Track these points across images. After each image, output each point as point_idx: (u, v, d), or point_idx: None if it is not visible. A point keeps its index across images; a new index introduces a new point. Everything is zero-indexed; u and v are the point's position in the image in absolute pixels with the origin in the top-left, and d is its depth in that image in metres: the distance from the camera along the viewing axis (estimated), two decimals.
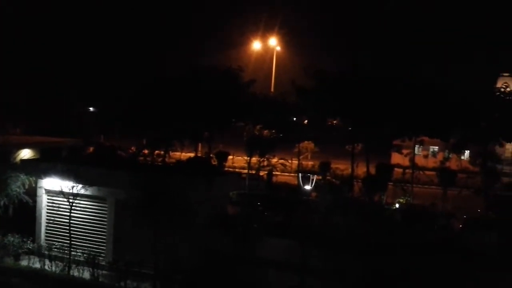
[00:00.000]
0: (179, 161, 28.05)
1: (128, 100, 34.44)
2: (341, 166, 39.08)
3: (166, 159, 31.15)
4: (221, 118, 31.16)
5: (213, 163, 32.38)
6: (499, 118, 30.77)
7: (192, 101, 29.92)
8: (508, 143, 45.38)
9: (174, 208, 18.80)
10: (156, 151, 30.89)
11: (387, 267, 18.47)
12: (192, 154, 34.61)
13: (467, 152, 39.42)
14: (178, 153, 36.23)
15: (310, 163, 40.75)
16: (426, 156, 46.02)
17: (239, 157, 38.00)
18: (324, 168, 33.33)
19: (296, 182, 30.18)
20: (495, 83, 48.48)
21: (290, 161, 36.98)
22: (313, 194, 26.95)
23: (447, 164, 34.72)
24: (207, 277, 16.33)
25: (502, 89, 32.06)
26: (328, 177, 32.03)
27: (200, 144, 38.72)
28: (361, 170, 32.63)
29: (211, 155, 33.29)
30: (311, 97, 31.65)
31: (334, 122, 37.59)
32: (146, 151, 31.14)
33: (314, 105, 32.28)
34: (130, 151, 31.10)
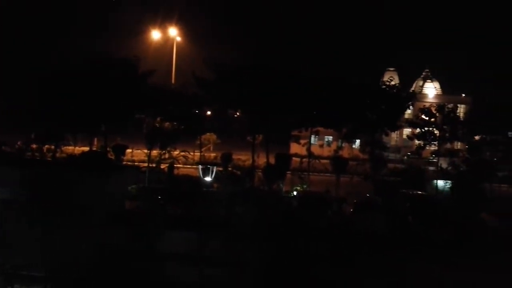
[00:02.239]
0: (71, 156, 26.39)
1: (15, 92, 31.58)
2: (243, 157, 39.69)
3: (58, 154, 29.13)
4: (118, 110, 29.81)
5: (110, 157, 31.02)
6: (385, 110, 33.28)
7: (86, 92, 28.24)
8: (393, 132, 49.82)
9: (67, 206, 17.69)
10: (46, 146, 28.72)
11: (285, 253, 19.19)
12: (87, 148, 32.79)
13: (358, 141, 42.23)
14: (71, 148, 34.11)
15: (213, 154, 40.81)
16: (321, 146, 48.36)
17: (139, 150, 36.80)
18: (225, 160, 33.59)
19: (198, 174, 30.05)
20: (382, 77, 52.57)
21: (192, 153, 36.67)
22: (215, 185, 27.09)
23: (340, 152, 37.00)
24: (102, 274, 15.64)
25: (387, 83, 34.61)
26: (229, 168, 32.40)
27: (96, 138, 36.85)
28: (262, 160, 33.50)
29: (107, 148, 31.81)
30: (212, 88, 31.66)
31: (236, 113, 38.01)
32: (34, 146, 28.81)
33: (215, 97, 32.33)
34: (17, 146, 28.58)
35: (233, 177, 28.43)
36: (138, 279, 15.67)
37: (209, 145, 42.73)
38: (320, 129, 36.76)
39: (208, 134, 41.26)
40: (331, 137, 55.67)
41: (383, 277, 17.29)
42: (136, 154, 38.21)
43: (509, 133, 33.89)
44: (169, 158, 32.79)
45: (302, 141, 38.70)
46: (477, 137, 34.37)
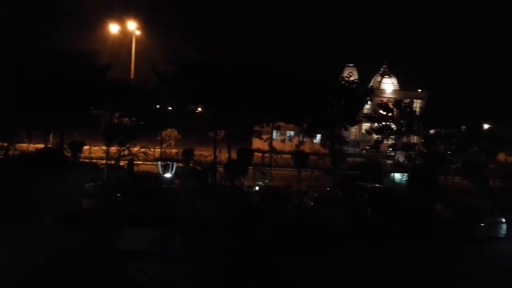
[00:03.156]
0: (24, 154, 25.35)
1: None
2: (205, 153, 39.48)
3: (11, 152, 27.93)
4: (72, 105, 28.87)
5: (66, 154, 30.05)
6: (344, 105, 33.82)
7: (38, 86, 27.16)
8: (353, 127, 50.82)
9: (19, 206, 17.00)
10: None
11: (247, 247, 19.26)
12: (42, 146, 31.63)
13: (319, 136, 42.84)
14: (25, 145, 32.78)
15: (174, 150, 40.29)
16: (283, 141, 48.84)
17: (97, 147, 35.83)
18: (187, 155, 33.27)
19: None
20: (341, 73, 53.46)
21: (152, 149, 36.06)
22: (176, 181, 26.78)
23: (302, 147, 37.37)
24: (58, 277, 15.12)
25: (347, 79, 35.18)
26: (191, 164, 32.10)
27: (52, 135, 35.59)
28: (224, 156, 33.40)
29: (64, 145, 30.78)
30: (173, 83, 31.18)
31: (198, 109, 37.67)
32: None
33: (176, 92, 31.86)
34: None
35: (194, 173, 28.22)
36: (97, 280, 15.27)
37: (170, 141, 42.18)
38: (282, 124, 36.98)
39: (169, 130, 40.72)
40: (293, 132, 56.31)
41: (343, 268, 17.64)
42: (94, 151, 37.20)
43: (462, 127, 35.18)
44: (128, 154, 32.09)
45: (264, 136, 38.88)
46: (432, 131, 35.48)
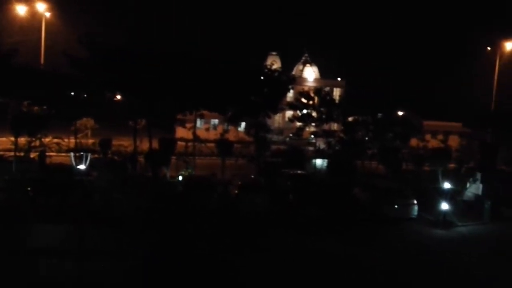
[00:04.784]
0: None
1: None
2: (125, 143, 37.91)
3: None
4: None
5: None
6: (268, 93, 34.03)
7: None
8: (276, 115, 51.52)
9: None
10: None
11: (169, 238, 18.71)
12: None
13: (243, 124, 42.83)
14: None
15: (91, 141, 38.23)
16: (207, 129, 48.24)
17: (4, 138, 33.01)
18: (104, 146, 31.65)
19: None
20: (265, 61, 53.80)
21: (67, 140, 33.91)
22: (93, 173, 25.38)
23: (226, 135, 37.14)
24: None
25: (270, 67, 35.36)
26: (109, 155, 30.60)
27: None
28: (145, 145, 32.25)
29: None
30: (87, 69, 29.36)
31: (117, 96, 35.89)
32: None
33: (91, 78, 30.04)
34: None
35: (112, 164, 26.92)
36: (7, 279, 14.01)
37: (86, 131, 39.92)
38: (206, 112, 36.43)
39: (84, 119, 38.47)
40: (217, 120, 55.82)
41: (265, 254, 17.73)
42: (1, 142, 34.31)
43: (379, 114, 36.79)
44: (40, 146, 29.91)
45: (188, 125, 38.10)
46: (350, 118, 36.85)
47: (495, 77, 47.32)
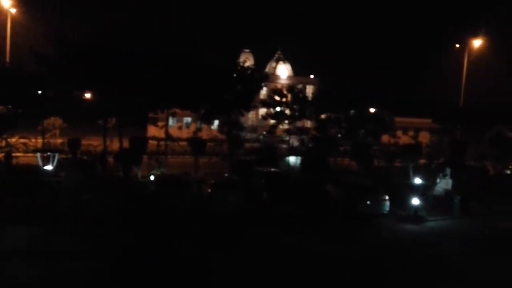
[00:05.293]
0: None
1: None
2: (95, 142, 37.06)
3: None
4: None
5: None
6: (240, 90, 33.83)
7: None
8: (250, 113, 51.37)
9: None
10: None
11: (140, 239, 18.34)
12: None
13: (216, 122, 42.49)
14: None
15: (59, 140, 37.19)
16: (180, 128, 47.74)
17: None
18: (73, 145, 30.79)
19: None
20: (238, 58, 53.60)
21: (34, 140, 32.88)
22: (62, 174, 24.69)
23: (199, 134, 36.75)
24: None
25: (243, 64, 35.16)
26: (78, 155, 29.82)
27: None
28: (116, 145, 31.58)
29: None
30: (55, 66, 28.52)
31: (85, 94, 35.01)
32: None
33: (59, 76, 29.19)
34: None
35: (81, 164, 26.22)
36: None
37: (54, 131, 38.85)
38: (178, 110, 35.97)
39: (52, 118, 37.44)
40: (190, 118, 55.32)
41: (240, 253, 17.56)
42: None
43: (351, 111, 37.04)
44: (6, 146, 28.92)
45: (160, 124, 37.52)
46: (323, 116, 37.02)
47: (464, 75, 48.42)
